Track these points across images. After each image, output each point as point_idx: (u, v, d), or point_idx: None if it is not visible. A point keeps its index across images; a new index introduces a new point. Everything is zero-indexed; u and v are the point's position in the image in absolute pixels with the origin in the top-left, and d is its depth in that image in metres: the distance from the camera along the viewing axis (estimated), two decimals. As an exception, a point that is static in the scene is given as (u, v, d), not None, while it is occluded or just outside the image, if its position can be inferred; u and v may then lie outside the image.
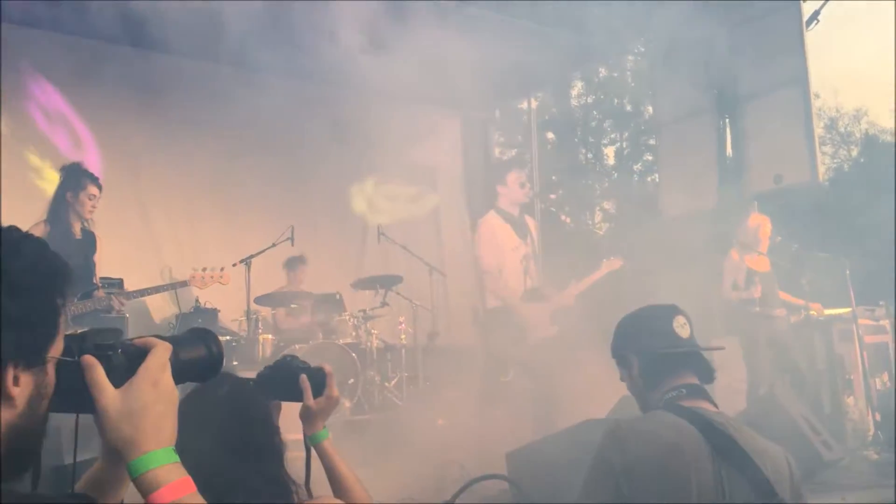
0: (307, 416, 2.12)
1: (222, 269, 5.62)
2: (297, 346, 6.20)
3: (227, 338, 6.22)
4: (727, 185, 7.59)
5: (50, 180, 6.94)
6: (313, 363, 2.14)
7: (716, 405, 2.27)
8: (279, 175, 7.77)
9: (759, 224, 6.51)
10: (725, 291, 6.36)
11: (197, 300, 6.47)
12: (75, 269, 4.66)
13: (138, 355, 1.20)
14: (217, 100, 6.99)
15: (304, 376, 2.10)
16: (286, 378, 2.11)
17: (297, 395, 2.10)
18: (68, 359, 1.16)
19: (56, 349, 1.14)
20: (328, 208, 8.06)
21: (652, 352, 2.31)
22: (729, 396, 5.55)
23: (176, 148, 7.33)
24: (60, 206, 5.10)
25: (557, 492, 3.12)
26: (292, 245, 6.39)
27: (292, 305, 6.95)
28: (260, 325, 6.36)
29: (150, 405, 1.16)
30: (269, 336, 6.42)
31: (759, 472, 2.05)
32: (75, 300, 5.03)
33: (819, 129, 8.43)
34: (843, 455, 5.06)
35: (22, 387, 1.07)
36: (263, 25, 5.96)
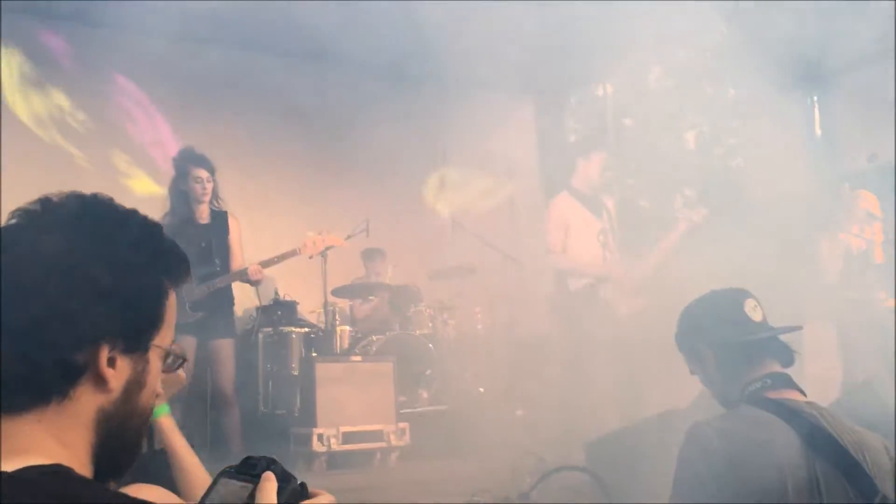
0: None
1: (329, 231, 5.66)
2: (373, 338, 6.22)
3: (306, 329, 6.29)
4: (817, 166, 7.27)
5: (134, 178, 7.17)
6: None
7: (804, 393, 2.10)
8: (354, 167, 7.82)
9: (859, 203, 6.19)
10: (823, 274, 6.07)
11: (276, 292, 6.55)
12: (195, 255, 4.91)
13: (308, 496, 1.19)
14: (290, 93, 7.07)
15: None
16: None
17: None
18: (181, 354, 1.16)
19: (162, 339, 1.11)
20: (403, 199, 8.07)
21: (727, 341, 2.14)
22: (822, 385, 5.30)
23: (253, 141, 7.47)
24: (176, 196, 5.31)
25: (638, 483, 3.02)
26: (367, 236, 6.40)
27: (369, 297, 6.99)
28: (337, 316, 6.40)
29: None
30: (347, 328, 6.46)
31: (857, 466, 1.88)
32: (194, 286, 5.18)
33: (915, 105, 7.99)
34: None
35: (118, 371, 1.04)
36: (334, 18, 5.99)
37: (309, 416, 5.18)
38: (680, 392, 3.95)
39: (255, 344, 6.20)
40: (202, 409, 5.27)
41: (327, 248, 5.82)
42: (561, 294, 5.58)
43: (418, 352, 6.24)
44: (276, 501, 1.13)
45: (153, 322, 1.09)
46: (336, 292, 6.56)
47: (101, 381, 1.03)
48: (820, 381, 5.50)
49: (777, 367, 2.12)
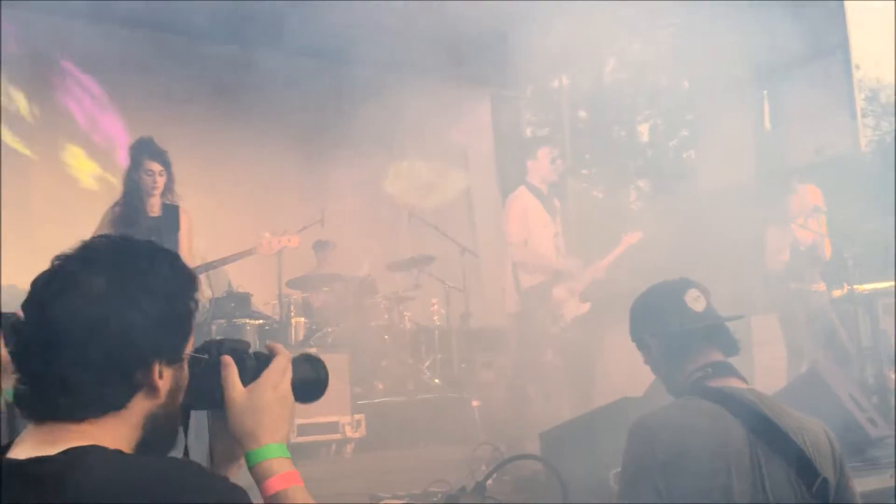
0: None
1: (284, 232, 5.60)
2: (329, 329, 6.20)
3: (261, 321, 6.22)
4: (766, 158, 7.41)
5: (83, 169, 7.02)
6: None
7: (746, 381, 2.13)
8: (309, 158, 7.76)
9: (804, 196, 6.33)
10: (770, 265, 6.20)
11: (229, 284, 6.47)
12: None
13: (266, 361, 1.38)
14: (245, 84, 6.98)
15: None
16: None
17: None
18: (203, 356, 1.35)
19: (190, 346, 1.33)
20: (359, 190, 8.02)
21: (668, 331, 2.18)
22: (769, 374, 5.43)
23: (207, 133, 7.36)
24: (129, 186, 5.16)
25: (591, 471, 3.06)
26: (322, 227, 6.36)
27: (324, 288, 6.94)
28: (292, 308, 6.36)
29: (270, 405, 1.34)
30: (302, 319, 6.42)
31: (798, 451, 1.93)
32: None
33: (860, 101, 8.20)
34: (890, 431, 4.91)
35: (165, 380, 1.25)
36: (286, 6, 5.94)
37: (263, 409, 5.13)
38: (635, 379, 4.01)
39: (208, 336, 6.12)
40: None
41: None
42: (517, 288, 5.61)
43: (374, 343, 6.24)
44: (242, 386, 1.34)
45: (186, 336, 1.31)
46: (291, 284, 6.50)
47: (152, 391, 1.24)
48: (767, 369, 5.63)
49: (718, 356, 2.16)
